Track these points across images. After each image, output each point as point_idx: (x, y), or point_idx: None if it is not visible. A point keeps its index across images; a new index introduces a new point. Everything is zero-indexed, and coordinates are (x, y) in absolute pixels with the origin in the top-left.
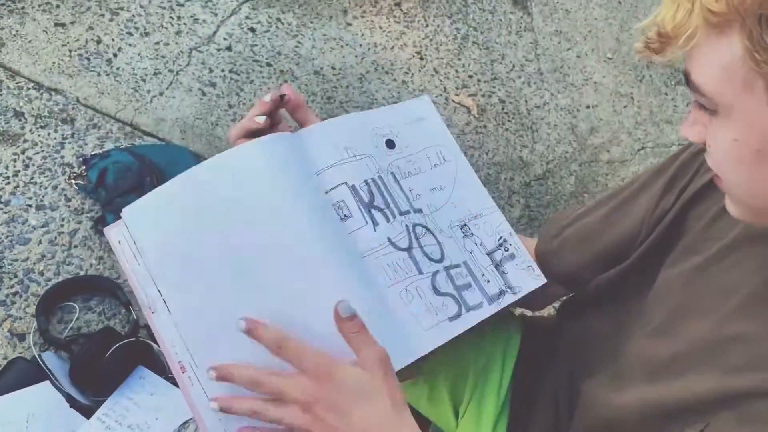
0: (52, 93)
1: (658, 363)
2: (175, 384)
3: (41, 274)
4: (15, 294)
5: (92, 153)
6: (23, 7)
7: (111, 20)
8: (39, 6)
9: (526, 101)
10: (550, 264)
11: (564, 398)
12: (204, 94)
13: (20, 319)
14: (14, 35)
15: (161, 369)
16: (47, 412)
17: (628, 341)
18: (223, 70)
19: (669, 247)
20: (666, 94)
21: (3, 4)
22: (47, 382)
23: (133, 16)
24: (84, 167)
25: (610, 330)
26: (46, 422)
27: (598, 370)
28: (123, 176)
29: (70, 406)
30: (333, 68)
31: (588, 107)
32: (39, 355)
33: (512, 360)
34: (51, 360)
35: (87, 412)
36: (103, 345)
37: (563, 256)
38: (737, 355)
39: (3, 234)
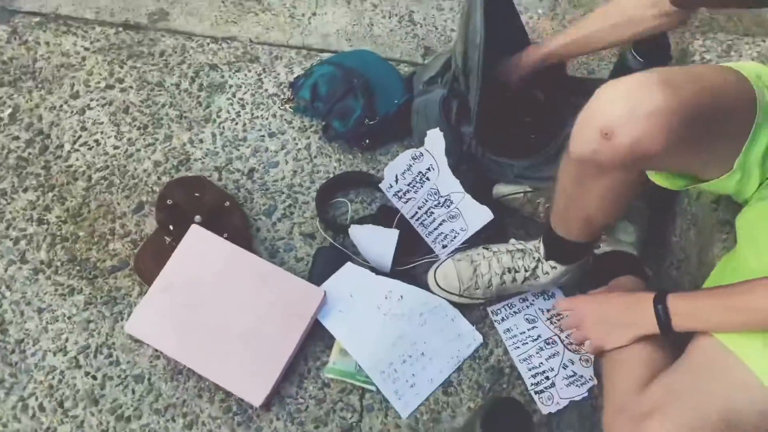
0: (229, 41)
1: None
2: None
3: (301, 185)
4: (290, 206)
5: (295, 76)
6: None
7: None
8: None
9: None
10: None
11: None
12: (348, 2)
13: (303, 223)
14: (172, 2)
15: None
16: (362, 284)
17: None
18: None
19: None
20: None
21: None
22: (348, 264)
23: None
24: (291, 91)
25: None
26: (365, 292)
27: None
28: (333, 84)
29: (376, 274)
30: None
31: None
32: (334, 242)
33: None
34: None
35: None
36: (389, 218)
37: None
38: None
39: (255, 163)
